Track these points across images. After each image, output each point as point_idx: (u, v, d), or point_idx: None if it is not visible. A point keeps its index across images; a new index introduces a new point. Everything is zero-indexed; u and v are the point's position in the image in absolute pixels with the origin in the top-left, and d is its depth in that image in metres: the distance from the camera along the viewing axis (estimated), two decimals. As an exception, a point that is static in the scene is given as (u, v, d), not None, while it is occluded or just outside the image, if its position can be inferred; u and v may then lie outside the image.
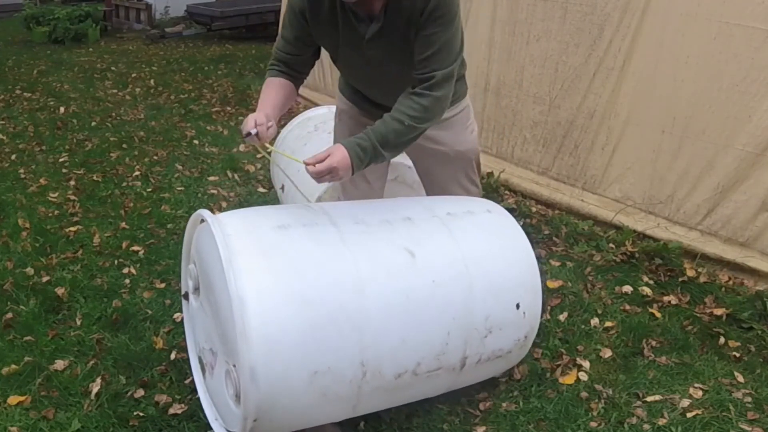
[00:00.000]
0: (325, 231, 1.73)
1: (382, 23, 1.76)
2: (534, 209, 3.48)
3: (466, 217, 1.94)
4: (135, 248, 3.13)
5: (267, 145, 1.75)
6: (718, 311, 2.59)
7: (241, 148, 4.58)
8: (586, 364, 2.32)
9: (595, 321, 2.57)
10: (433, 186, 2.26)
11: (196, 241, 1.87)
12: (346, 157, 1.67)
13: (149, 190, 3.84)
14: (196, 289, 1.87)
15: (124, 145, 4.63)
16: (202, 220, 1.77)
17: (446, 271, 1.78)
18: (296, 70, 1.97)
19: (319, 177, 1.67)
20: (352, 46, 1.85)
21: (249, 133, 1.72)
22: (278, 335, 1.54)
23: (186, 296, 2.01)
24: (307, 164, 1.66)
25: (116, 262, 3.01)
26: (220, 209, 3.56)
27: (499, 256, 1.90)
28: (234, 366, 1.62)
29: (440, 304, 1.75)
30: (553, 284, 2.77)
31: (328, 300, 1.62)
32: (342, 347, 1.62)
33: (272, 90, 1.91)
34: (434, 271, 1.76)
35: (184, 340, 2.42)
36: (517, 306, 1.89)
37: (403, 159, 2.41)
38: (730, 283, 2.77)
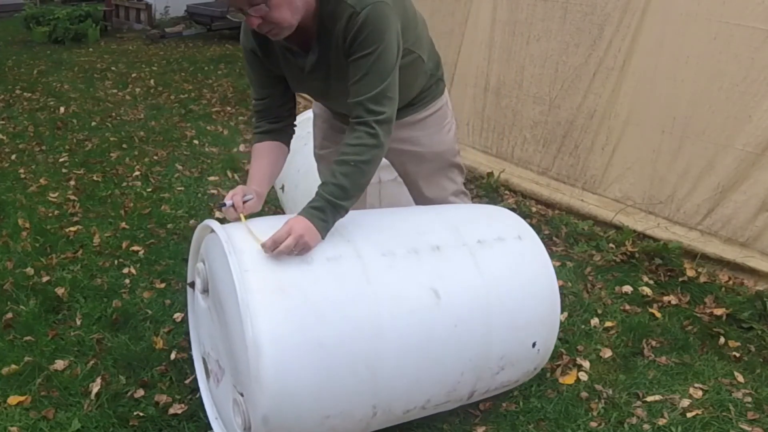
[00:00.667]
0: (349, 266, 1.63)
1: (318, 55, 1.74)
2: (534, 209, 3.48)
3: (495, 246, 1.84)
4: (135, 248, 3.13)
5: (242, 217, 1.71)
6: (718, 311, 2.59)
7: (241, 148, 4.59)
8: (586, 364, 2.32)
9: (595, 321, 2.57)
10: (413, 189, 2.22)
11: (206, 244, 1.82)
12: (308, 224, 1.60)
13: (149, 190, 3.84)
14: (205, 291, 1.83)
15: (124, 145, 4.63)
16: (212, 231, 1.71)
17: (469, 313, 1.72)
18: (277, 119, 1.92)
19: (289, 252, 1.58)
20: (297, 78, 1.85)
21: (224, 204, 1.73)
22: (293, 384, 1.50)
23: (192, 285, 1.97)
24: (265, 247, 1.57)
25: (116, 262, 3.01)
26: (220, 209, 3.56)
27: (523, 292, 1.82)
28: (242, 395, 1.60)
29: (459, 346, 1.70)
30: (553, 284, 2.77)
31: (346, 345, 1.56)
32: (356, 392, 1.59)
33: (257, 161, 1.90)
34: (457, 312, 1.69)
35: (185, 340, 2.42)
36: (533, 344, 1.85)
37: None
38: (730, 283, 2.77)
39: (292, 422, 1.54)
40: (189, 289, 2.05)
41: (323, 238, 1.64)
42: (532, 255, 1.90)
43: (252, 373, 1.47)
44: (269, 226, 1.62)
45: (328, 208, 1.64)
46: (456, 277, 1.72)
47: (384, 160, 2.30)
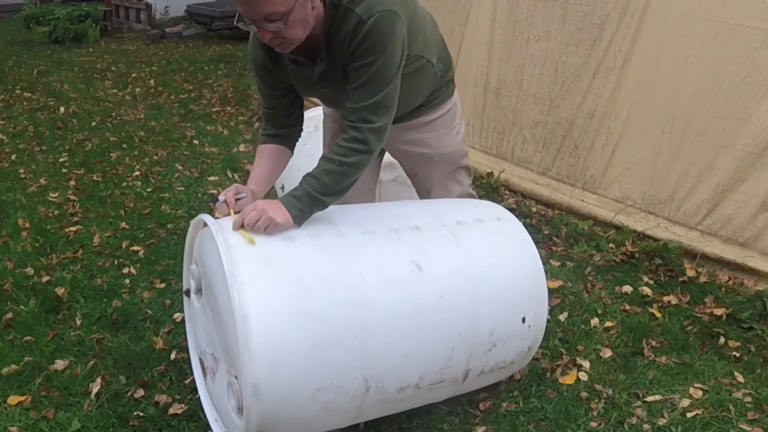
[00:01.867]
0: (331, 242, 1.69)
1: (325, 64, 1.74)
2: (534, 209, 3.48)
3: (475, 226, 1.89)
4: (135, 248, 3.13)
5: (232, 213, 1.73)
6: (718, 311, 2.59)
7: (241, 148, 4.59)
8: (586, 364, 2.32)
9: (595, 321, 2.57)
10: (421, 190, 2.24)
11: (199, 242, 1.85)
12: (277, 204, 1.65)
13: (149, 190, 3.84)
14: (199, 290, 1.86)
15: (124, 145, 4.63)
16: (205, 224, 1.74)
17: (453, 285, 1.75)
18: (284, 125, 1.95)
19: (251, 225, 1.62)
20: (305, 87, 1.87)
21: (217, 199, 1.77)
22: (282, 352, 1.52)
23: (188, 293, 2.00)
24: (233, 224, 1.64)
25: (116, 262, 3.01)
26: (220, 209, 3.56)
27: (507, 267, 1.86)
28: (236, 377, 1.61)
29: (446, 318, 1.72)
30: (553, 284, 2.77)
31: (333, 315, 1.59)
32: (346, 364, 1.60)
33: (258, 162, 1.93)
34: (441, 284, 1.73)
35: (185, 339, 2.42)
36: (523, 320, 1.87)
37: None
38: (730, 283, 2.77)
39: (284, 395, 1.55)
40: (185, 298, 2.06)
41: (298, 225, 1.67)
42: (511, 233, 1.96)
43: (240, 342, 1.49)
44: None
45: (305, 198, 1.66)
46: (437, 251, 1.77)
47: (387, 159, 2.31)
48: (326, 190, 1.67)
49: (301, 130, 2.01)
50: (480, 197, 3.53)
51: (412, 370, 1.72)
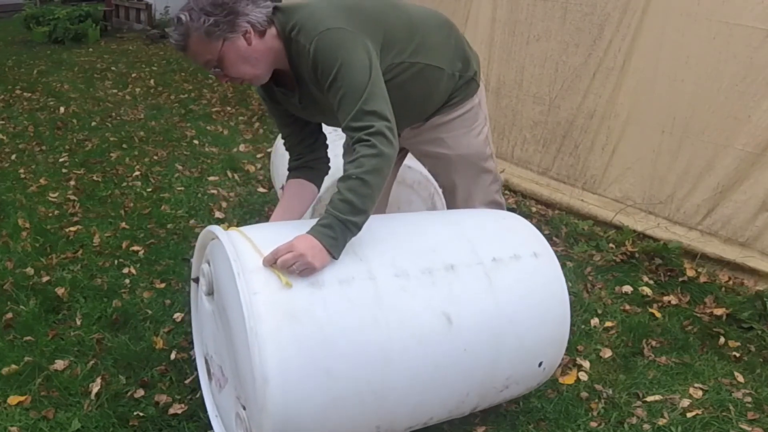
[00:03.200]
0: (361, 290, 1.58)
1: (300, 92, 1.78)
2: (534, 209, 3.48)
3: (510, 265, 1.78)
4: (135, 248, 3.13)
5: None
6: (718, 311, 2.59)
7: (241, 148, 4.59)
8: (586, 364, 2.32)
9: (595, 321, 2.57)
10: (445, 192, 2.20)
11: (212, 249, 1.77)
12: (313, 242, 1.54)
13: (149, 190, 3.84)
14: (210, 293, 1.79)
15: (124, 145, 4.63)
16: (213, 238, 1.69)
17: (479, 337, 1.68)
18: (299, 156, 1.96)
19: (288, 269, 1.52)
20: (298, 112, 1.91)
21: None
22: (298, 411, 1.48)
23: (196, 280, 1.95)
24: (265, 261, 1.53)
25: (116, 262, 3.01)
26: (220, 209, 3.57)
27: (534, 315, 1.78)
28: (244, 408, 1.60)
29: (466, 369, 1.68)
30: (553, 284, 2.77)
31: (354, 373, 1.53)
32: (361, 417, 1.58)
33: (279, 204, 1.96)
34: (468, 338, 1.66)
35: (185, 339, 2.42)
36: (540, 364, 1.83)
37: (404, 160, 2.40)
38: (730, 283, 2.77)
39: None
40: (193, 284, 2.02)
41: (336, 257, 1.57)
42: (546, 275, 1.84)
43: (258, 403, 1.45)
44: (275, 238, 1.58)
45: (337, 225, 1.57)
46: (469, 300, 1.68)
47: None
48: (354, 209, 1.58)
49: (325, 162, 2.00)
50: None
51: (424, 415, 1.71)
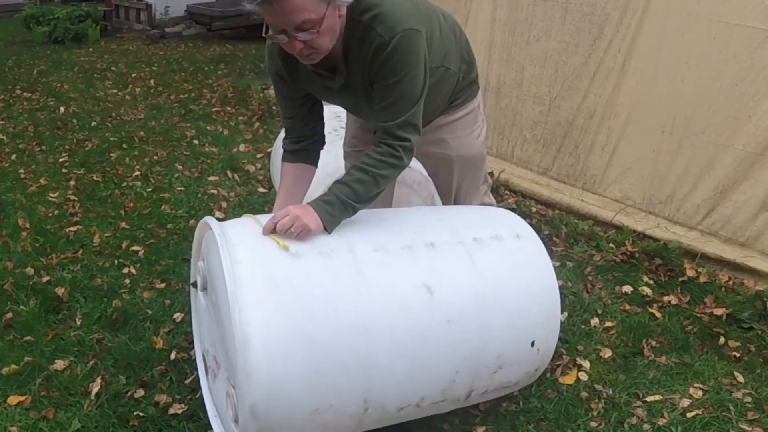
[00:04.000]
0: (341, 261, 1.62)
1: (345, 77, 1.74)
2: (534, 209, 3.48)
3: (492, 244, 1.81)
4: (135, 248, 3.13)
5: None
6: (718, 311, 2.59)
7: (241, 148, 4.59)
8: (586, 364, 2.32)
9: (595, 321, 2.57)
10: (442, 191, 2.23)
11: (206, 242, 1.82)
12: (309, 209, 1.63)
13: (149, 190, 3.84)
14: (205, 288, 1.83)
15: (124, 145, 4.63)
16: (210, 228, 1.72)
17: (463, 309, 1.69)
18: (301, 138, 1.94)
19: (284, 231, 1.59)
20: (327, 95, 1.87)
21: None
22: (281, 376, 1.49)
23: (195, 285, 1.97)
24: (265, 228, 1.62)
25: (116, 262, 3.01)
26: (220, 209, 3.57)
27: (521, 292, 1.79)
28: (234, 388, 1.60)
29: (453, 342, 1.68)
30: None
31: (337, 342, 1.54)
32: (347, 388, 1.58)
33: (281, 186, 1.96)
34: (451, 309, 1.67)
35: (185, 339, 2.43)
36: (532, 344, 1.82)
37: None
38: (730, 283, 2.77)
39: (280, 414, 1.53)
40: (192, 289, 2.04)
41: (329, 231, 1.65)
42: (530, 254, 1.87)
43: (239, 365, 1.47)
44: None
45: (337, 204, 1.65)
46: (450, 273, 1.71)
47: None
48: (357, 198, 1.67)
49: (323, 142, 1.99)
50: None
51: (414, 392, 1.69)
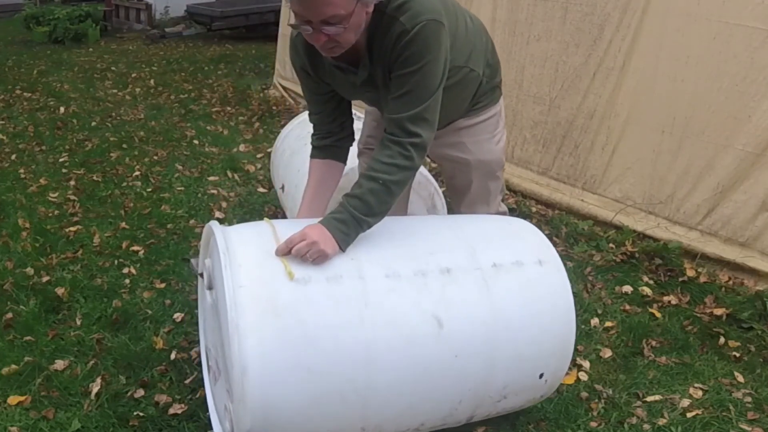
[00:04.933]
0: (349, 288, 1.55)
1: (369, 71, 1.70)
2: (534, 209, 3.48)
3: (512, 271, 1.70)
4: (135, 248, 3.13)
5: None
6: (718, 311, 2.59)
7: (241, 148, 4.59)
8: (586, 364, 2.32)
9: (595, 321, 2.57)
10: (455, 194, 2.18)
11: (212, 244, 1.77)
12: (325, 232, 1.56)
13: (149, 190, 3.84)
14: (210, 287, 1.79)
15: (124, 145, 4.63)
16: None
17: (473, 343, 1.62)
18: (328, 134, 1.91)
19: (302, 257, 1.53)
20: (350, 91, 1.84)
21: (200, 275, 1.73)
22: (278, 404, 1.47)
23: (202, 275, 1.94)
24: (278, 250, 1.55)
25: (116, 262, 3.01)
26: (220, 209, 3.57)
27: (535, 325, 1.69)
28: (231, 403, 1.58)
29: (458, 375, 1.63)
30: (553, 284, 2.77)
31: (337, 372, 1.51)
32: (344, 416, 1.56)
33: (309, 184, 1.90)
34: (460, 343, 1.60)
35: (185, 339, 2.43)
36: (541, 375, 1.76)
37: None
38: (730, 283, 2.77)
39: None
40: (199, 278, 2.01)
41: (343, 250, 1.59)
42: (551, 284, 1.76)
43: (236, 393, 1.45)
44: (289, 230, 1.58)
45: (351, 221, 1.58)
46: (463, 304, 1.62)
47: None
48: (371, 211, 1.60)
49: (351, 137, 1.96)
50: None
51: (413, 419, 1.66)
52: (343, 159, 1.94)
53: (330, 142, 1.92)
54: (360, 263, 1.60)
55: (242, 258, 1.53)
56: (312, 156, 1.93)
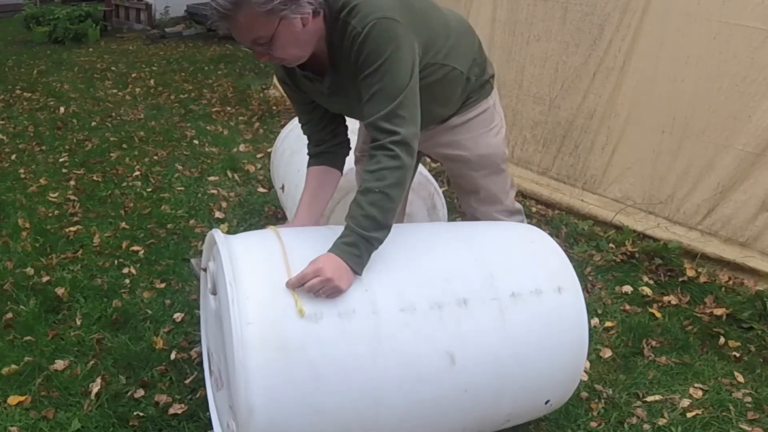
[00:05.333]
0: (361, 324, 1.49)
1: (332, 78, 1.69)
2: (534, 209, 3.48)
3: (529, 301, 1.65)
4: (135, 248, 3.13)
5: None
6: (718, 311, 2.59)
7: (241, 148, 4.59)
8: (587, 364, 2.31)
9: (595, 321, 2.57)
10: (465, 195, 2.14)
11: (215, 254, 1.71)
12: (339, 263, 1.49)
13: (149, 190, 3.84)
14: (214, 292, 1.75)
15: (124, 145, 4.63)
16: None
17: (483, 378, 1.59)
18: (320, 142, 1.91)
19: (311, 288, 1.47)
20: (322, 99, 1.83)
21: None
22: None
23: (205, 270, 1.89)
24: (289, 284, 1.48)
25: (116, 262, 3.01)
26: (220, 209, 3.57)
27: (546, 357, 1.67)
28: (235, 423, 1.56)
29: (465, 408, 1.61)
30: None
31: (345, 410, 1.48)
32: None
33: (303, 194, 1.89)
34: (470, 379, 1.57)
35: (185, 339, 2.43)
36: (547, 402, 1.75)
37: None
38: (730, 283, 2.77)
39: None
40: (202, 273, 1.95)
41: (359, 274, 1.54)
42: (567, 315, 1.71)
43: (242, 430, 1.43)
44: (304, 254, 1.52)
45: (361, 242, 1.53)
46: (477, 338, 1.58)
47: None
48: (377, 224, 1.54)
49: (346, 145, 1.94)
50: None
51: None
52: (339, 166, 1.93)
53: (323, 149, 1.91)
54: (374, 295, 1.54)
55: (250, 290, 1.47)
56: (308, 165, 1.93)
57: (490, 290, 1.62)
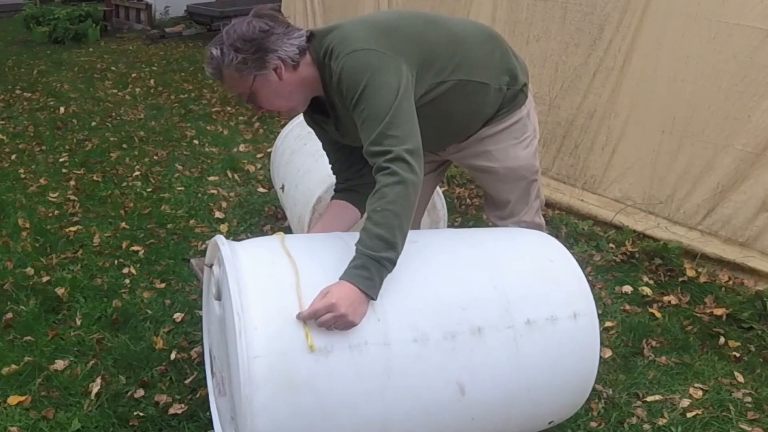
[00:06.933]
0: (372, 356, 1.46)
1: (335, 118, 1.76)
2: (534, 209, 3.48)
3: (545, 329, 1.62)
4: (135, 248, 3.13)
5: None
6: (718, 311, 2.59)
7: (241, 148, 4.59)
8: (586, 364, 2.32)
9: (595, 321, 2.57)
10: (491, 205, 2.12)
11: (222, 262, 1.66)
12: (352, 293, 1.45)
13: (149, 190, 3.85)
14: (218, 298, 1.72)
15: (124, 145, 4.64)
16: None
17: (492, 408, 1.58)
18: (347, 180, 1.93)
19: (324, 323, 1.43)
20: (337, 136, 1.87)
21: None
22: None
23: (210, 266, 1.87)
24: (301, 317, 1.44)
25: (116, 262, 3.01)
26: (220, 209, 3.57)
27: (555, 385, 1.66)
28: None
29: None
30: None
31: None
32: None
33: (319, 220, 1.94)
34: (479, 408, 1.56)
35: (185, 339, 2.43)
36: (550, 423, 1.75)
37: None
38: (730, 283, 2.77)
39: None
40: (206, 269, 1.91)
41: (374, 298, 1.50)
42: (581, 340, 1.69)
43: None
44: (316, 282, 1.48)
45: (372, 264, 1.48)
46: (489, 369, 1.56)
47: None
48: (386, 244, 1.49)
49: (372, 184, 1.84)
50: (479, 197, 3.55)
51: None
52: (360, 205, 1.89)
53: (347, 186, 1.94)
54: (387, 325, 1.50)
55: (258, 320, 1.41)
56: (332, 197, 1.97)
57: (505, 318, 1.59)
